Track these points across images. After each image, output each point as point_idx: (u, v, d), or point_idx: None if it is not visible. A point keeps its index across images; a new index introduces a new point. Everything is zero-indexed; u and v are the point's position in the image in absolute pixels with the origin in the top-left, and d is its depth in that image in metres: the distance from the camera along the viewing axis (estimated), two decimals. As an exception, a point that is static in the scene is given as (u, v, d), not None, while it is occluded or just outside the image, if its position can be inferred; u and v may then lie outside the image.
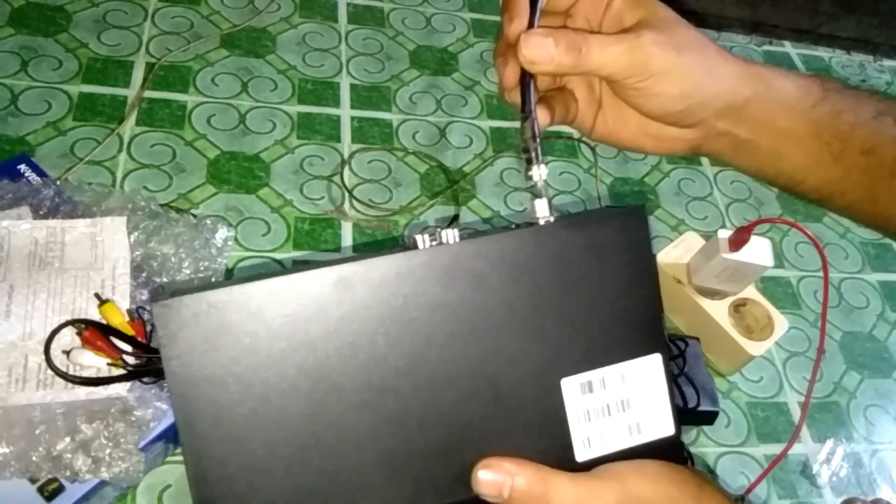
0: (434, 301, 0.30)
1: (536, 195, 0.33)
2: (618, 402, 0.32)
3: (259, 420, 0.29)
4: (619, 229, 0.32)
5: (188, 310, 0.28)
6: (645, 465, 0.32)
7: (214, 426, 0.29)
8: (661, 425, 0.33)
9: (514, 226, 0.32)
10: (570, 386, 0.32)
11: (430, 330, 0.30)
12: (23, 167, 0.65)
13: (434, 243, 0.31)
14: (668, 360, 0.33)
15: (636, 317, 0.33)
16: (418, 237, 0.30)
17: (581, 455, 0.32)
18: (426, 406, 0.31)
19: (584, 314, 0.32)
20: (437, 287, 0.30)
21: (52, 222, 0.60)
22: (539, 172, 0.33)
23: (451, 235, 0.31)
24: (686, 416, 0.70)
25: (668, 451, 0.33)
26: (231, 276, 0.71)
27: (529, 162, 0.33)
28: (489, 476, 0.30)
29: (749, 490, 0.69)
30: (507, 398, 0.31)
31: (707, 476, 0.35)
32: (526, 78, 0.34)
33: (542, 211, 0.32)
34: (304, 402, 0.30)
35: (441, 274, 0.30)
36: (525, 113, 0.34)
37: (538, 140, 0.33)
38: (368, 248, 0.77)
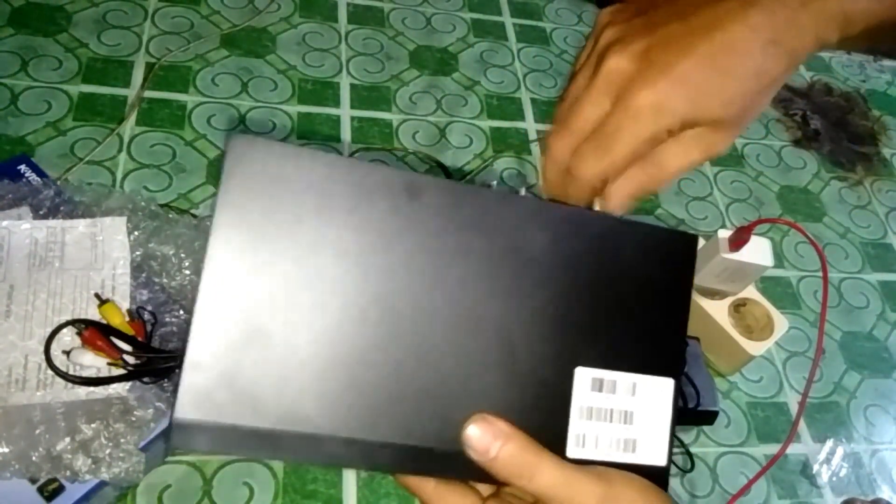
0: (485, 246, 0.30)
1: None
2: (622, 412, 0.32)
3: (281, 293, 0.28)
4: (670, 249, 0.33)
5: (261, 153, 0.28)
6: (634, 477, 0.31)
7: (240, 278, 0.28)
8: (655, 452, 0.33)
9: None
10: (583, 377, 0.32)
11: (469, 271, 0.30)
12: (23, 167, 0.65)
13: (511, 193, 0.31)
14: (679, 392, 0.33)
15: (662, 335, 0.33)
16: (496, 184, 0.31)
17: (572, 452, 0.32)
18: (442, 345, 0.30)
19: (616, 313, 0.32)
20: (494, 234, 0.30)
21: (52, 222, 0.60)
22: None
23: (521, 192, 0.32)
24: (686, 416, 0.70)
25: (654, 480, 0.32)
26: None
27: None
28: (481, 430, 0.29)
29: (745, 488, 0.69)
30: (521, 366, 0.31)
31: None
32: None
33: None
34: (330, 299, 0.29)
35: (504, 224, 0.30)
36: None
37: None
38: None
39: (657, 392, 0.33)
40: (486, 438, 0.29)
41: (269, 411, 0.28)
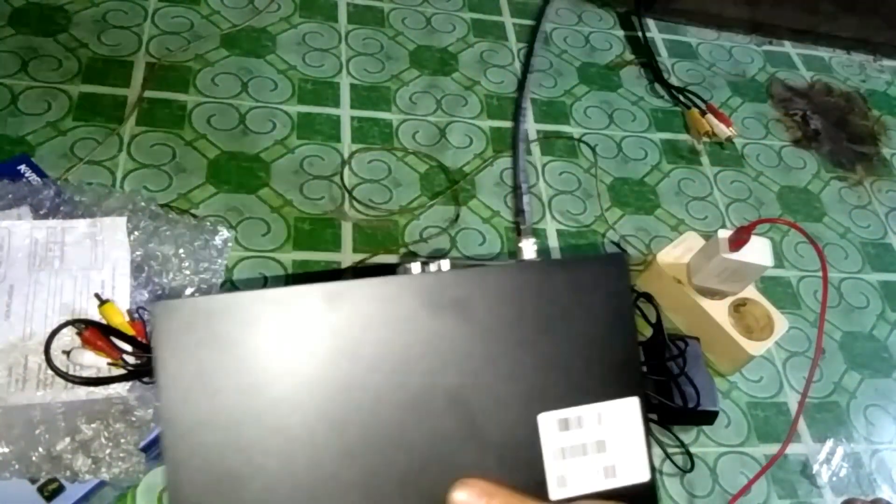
0: (418, 326, 0.31)
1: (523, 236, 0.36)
2: (594, 443, 0.33)
3: (240, 428, 0.30)
4: (600, 274, 0.33)
5: (183, 314, 0.29)
6: None
7: (197, 428, 0.30)
8: (636, 470, 0.34)
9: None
10: (547, 422, 0.32)
11: (411, 354, 0.31)
12: (23, 167, 0.65)
13: (425, 271, 0.32)
14: (646, 405, 0.33)
15: (614, 359, 0.33)
16: (412, 265, 0.32)
17: (554, 494, 0.33)
18: (403, 431, 0.31)
19: (564, 352, 0.33)
20: (422, 313, 0.31)
21: (52, 222, 0.60)
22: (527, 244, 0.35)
23: (443, 265, 0.32)
24: (686, 416, 0.70)
25: (643, 497, 0.34)
26: (231, 275, 0.71)
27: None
28: (466, 493, 0.30)
29: (745, 488, 0.69)
30: (484, 429, 0.32)
31: None
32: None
33: (528, 252, 0.34)
34: (284, 418, 0.30)
35: (428, 300, 0.31)
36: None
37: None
38: (369, 247, 0.77)
39: (624, 413, 0.33)
40: (472, 500, 0.30)
41: None
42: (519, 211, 0.36)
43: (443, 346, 0.32)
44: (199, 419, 0.30)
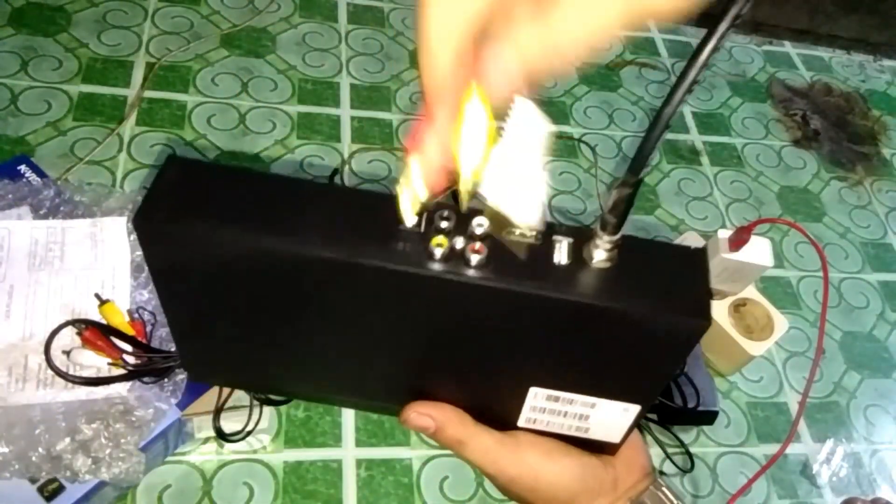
0: (438, 311, 0.28)
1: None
2: (577, 415, 0.33)
3: (229, 320, 0.31)
4: (673, 329, 0.27)
5: (168, 237, 0.27)
6: (542, 439, 0.34)
7: (191, 311, 0.31)
8: (610, 436, 0.34)
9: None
10: (537, 393, 0.32)
11: (418, 320, 0.29)
12: (23, 167, 0.65)
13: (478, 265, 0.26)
14: (646, 411, 0.32)
15: (639, 381, 0.30)
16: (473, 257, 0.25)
17: (522, 424, 0.34)
18: (390, 353, 0.32)
19: (588, 360, 0.30)
20: (459, 311, 0.28)
21: (52, 222, 0.60)
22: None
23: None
24: (686, 416, 0.70)
25: (605, 448, 0.34)
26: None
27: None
28: (419, 418, 0.33)
29: (745, 487, 0.69)
30: (478, 369, 0.32)
31: (629, 462, 0.36)
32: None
33: (601, 253, 0.26)
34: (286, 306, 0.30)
35: (467, 307, 0.27)
36: None
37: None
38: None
39: (620, 411, 0.32)
40: (423, 423, 0.33)
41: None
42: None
43: (458, 323, 0.29)
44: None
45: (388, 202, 0.26)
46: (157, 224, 0.26)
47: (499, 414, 0.33)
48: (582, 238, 0.26)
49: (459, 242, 0.26)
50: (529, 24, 0.20)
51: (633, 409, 0.32)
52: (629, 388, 0.31)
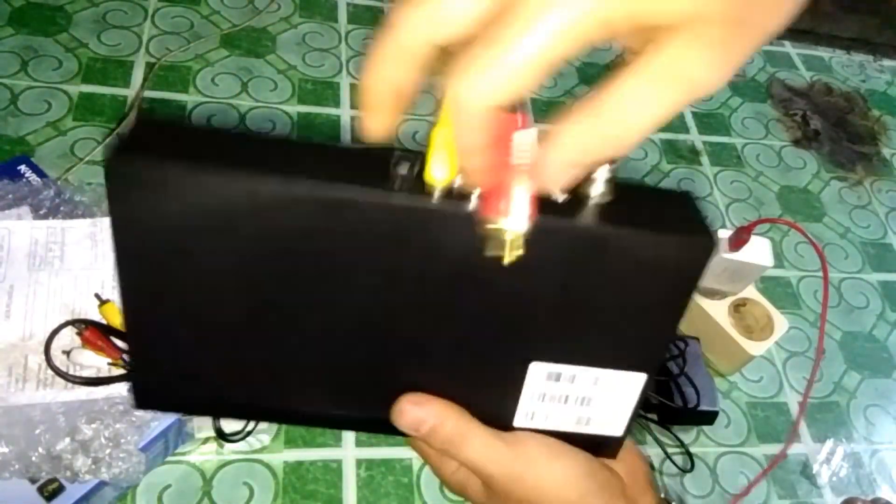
0: (436, 254, 0.27)
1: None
2: (579, 398, 0.31)
3: (202, 303, 0.28)
4: (681, 250, 0.26)
5: (147, 181, 0.24)
6: (554, 443, 0.32)
7: (156, 295, 0.28)
8: (612, 427, 0.32)
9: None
10: (538, 371, 0.30)
11: (415, 270, 0.27)
12: (23, 167, 0.65)
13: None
14: (652, 382, 0.30)
15: (645, 335, 0.29)
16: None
17: (519, 422, 0.31)
18: (384, 321, 0.29)
19: (592, 311, 0.28)
20: (452, 248, 0.26)
21: (52, 222, 0.60)
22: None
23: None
24: (686, 416, 0.70)
25: (605, 446, 0.32)
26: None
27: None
28: (411, 411, 0.30)
29: (747, 491, 0.69)
30: (472, 350, 0.30)
31: (633, 469, 0.34)
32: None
33: (599, 186, 0.25)
34: (259, 291, 0.28)
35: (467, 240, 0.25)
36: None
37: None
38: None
39: (624, 384, 0.30)
40: (418, 417, 0.30)
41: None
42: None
43: (457, 270, 0.27)
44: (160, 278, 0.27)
45: (378, 153, 0.26)
46: (134, 164, 0.24)
47: (494, 410, 0.31)
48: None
49: (457, 182, 0.25)
50: (584, 118, 0.21)
51: (639, 380, 0.30)
52: (634, 350, 0.30)
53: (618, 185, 0.25)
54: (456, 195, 0.25)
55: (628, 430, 0.32)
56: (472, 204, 0.25)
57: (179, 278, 0.27)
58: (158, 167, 0.24)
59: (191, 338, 0.29)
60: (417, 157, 0.25)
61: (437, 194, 0.25)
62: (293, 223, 0.25)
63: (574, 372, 0.30)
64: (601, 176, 0.25)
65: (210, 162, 0.24)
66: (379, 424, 0.31)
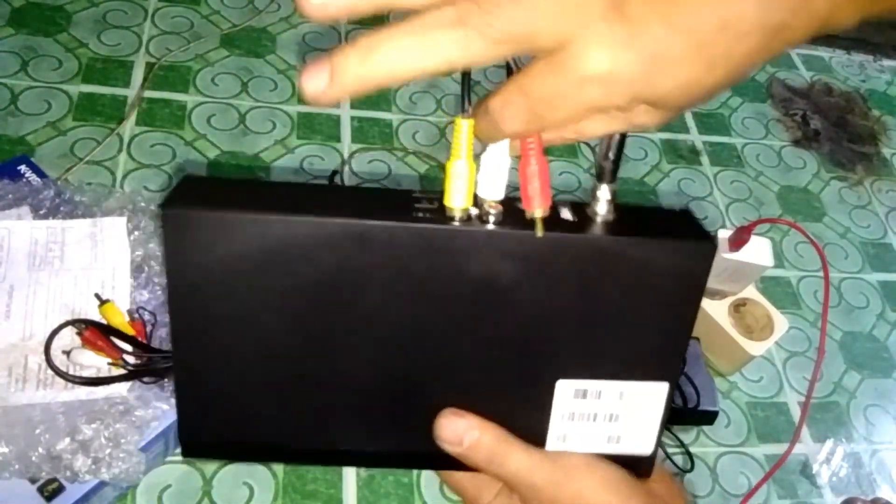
0: (461, 277, 0.29)
1: (600, 177, 0.30)
2: (607, 414, 0.32)
3: (250, 344, 0.30)
4: (683, 255, 0.29)
5: (198, 226, 0.27)
6: (596, 462, 0.32)
7: (206, 339, 0.29)
8: (642, 443, 0.33)
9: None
10: (565, 389, 0.31)
11: (443, 296, 0.29)
12: (23, 167, 0.65)
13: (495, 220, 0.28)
14: (675, 390, 0.32)
15: (661, 343, 0.31)
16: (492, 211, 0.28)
17: (552, 446, 0.32)
18: (417, 349, 0.30)
19: (609, 324, 0.30)
20: (472, 268, 0.29)
21: (52, 222, 0.60)
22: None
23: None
24: (686, 416, 0.70)
25: (637, 465, 0.33)
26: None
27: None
28: (454, 422, 0.31)
29: (749, 495, 0.69)
30: (500, 373, 0.31)
31: (670, 490, 0.35)
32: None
33: (602, 205, 0.29)
34: (297, 333, 0.30)
35: (482, 258, 0.28)
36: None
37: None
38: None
39: (649, 395, 0.32)
40: (460, 428, 0.31)
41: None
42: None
43: (479, 297, 0.29)
44: (208, 326, 0.29)
45: (398, 193, 0.29)
46: (186, 209, 0.27)
47: (525, 433, 0.32)
48: (579, 204, 0.30)
49: (474, 210, 0.28)
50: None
51: (662, 390, 0.32)
52: (652, 358, 0.31)
53: (619, 206, 0.29)
54: (475, 220, 0.28)
55: (658, 446, 0.33)
56: (491, 225, 0.28)
57: (226, 321, 0.29)
58: (207, 213, 0.27)
59: (237, 382, 0.31)
60: (435, 194, 0.28)
61: (457, 218, 0.28)
62: (328, 258, 0.28)
63: (600, 387, 0.31)
64: (603, 196, 0.29)
65: (252, 207, 0.27)
66: (417, 458, 0.33)
